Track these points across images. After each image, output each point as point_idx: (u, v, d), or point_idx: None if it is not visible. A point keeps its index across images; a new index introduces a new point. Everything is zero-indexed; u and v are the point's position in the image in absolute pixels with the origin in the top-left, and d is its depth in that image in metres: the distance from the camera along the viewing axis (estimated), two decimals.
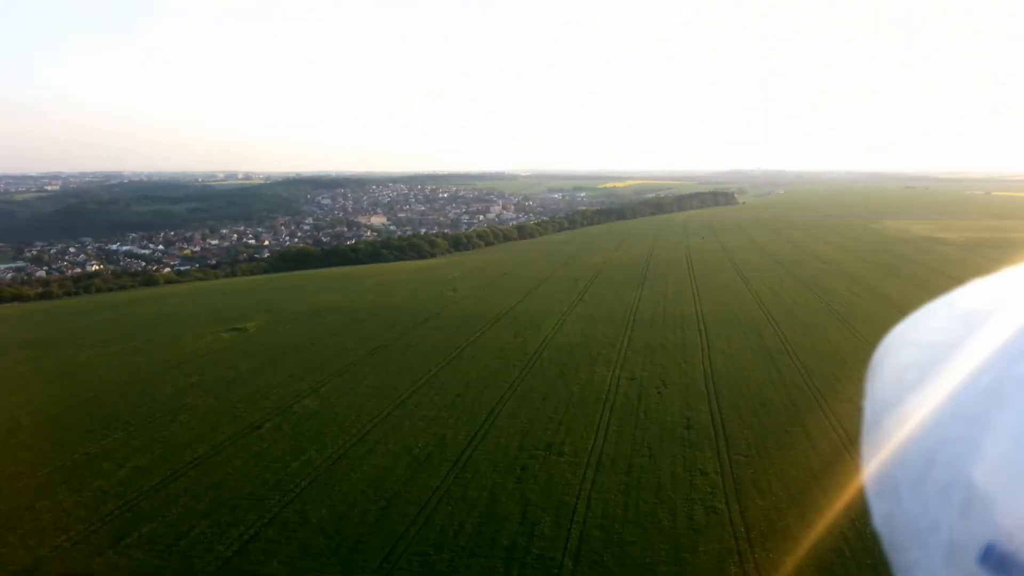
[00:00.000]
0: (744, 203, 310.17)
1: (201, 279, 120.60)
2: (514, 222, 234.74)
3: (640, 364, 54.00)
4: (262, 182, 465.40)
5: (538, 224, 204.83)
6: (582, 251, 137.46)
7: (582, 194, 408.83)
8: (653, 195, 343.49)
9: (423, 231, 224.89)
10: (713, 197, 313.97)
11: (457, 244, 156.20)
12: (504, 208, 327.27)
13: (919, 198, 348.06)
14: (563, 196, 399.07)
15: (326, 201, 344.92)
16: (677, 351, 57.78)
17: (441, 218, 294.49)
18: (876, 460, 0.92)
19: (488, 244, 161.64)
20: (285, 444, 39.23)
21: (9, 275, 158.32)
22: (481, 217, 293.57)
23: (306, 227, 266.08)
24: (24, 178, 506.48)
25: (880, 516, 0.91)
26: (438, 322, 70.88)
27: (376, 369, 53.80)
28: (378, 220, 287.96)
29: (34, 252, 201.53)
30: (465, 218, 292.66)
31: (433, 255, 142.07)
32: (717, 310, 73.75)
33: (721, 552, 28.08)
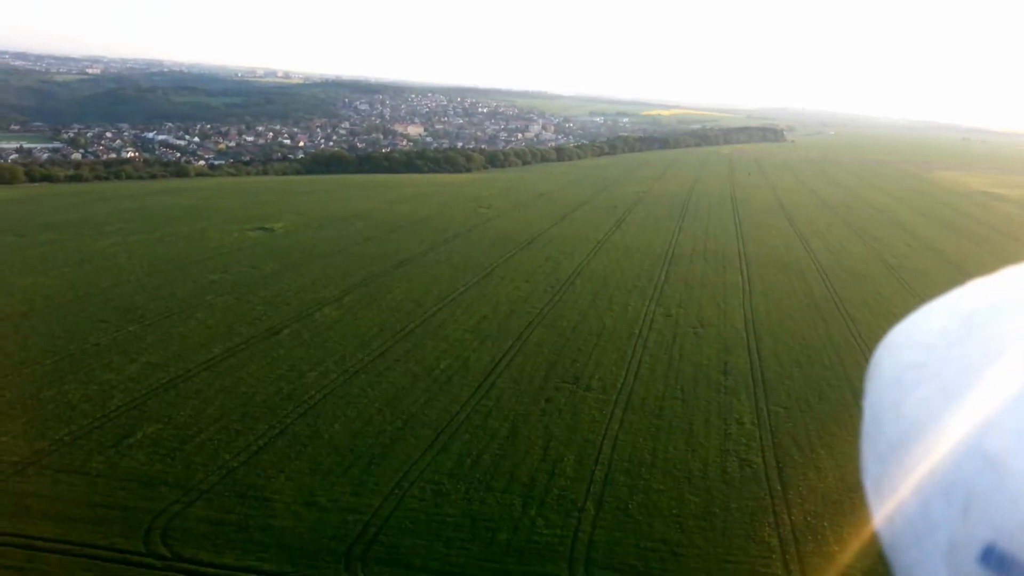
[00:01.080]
0: (793, 141, 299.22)
1: (233, 175, 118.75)
2: (553, 143, 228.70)
3: (677, 301, 51.45)
4: (300, 82, 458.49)
5: (578, 147, 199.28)
6: (622, 178, 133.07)
7: (625, 120, 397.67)
8: (699, 126, 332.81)
9: (460, 145, 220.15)
10: (761, 132, 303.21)
11: (493, 161, 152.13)
12: (544, 128, 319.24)
13: (976, 151, 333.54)
14: (605, 120, 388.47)
15: (364, 106, 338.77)
16: (717, 291, 55.03)
17: (479, 133, 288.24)
18: (876, 460, 0.92)
19: (525, 163, 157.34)
20: (303, 352, 37.67)
21: (45, 155, 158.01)
22: (520, 135, 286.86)
23: (342, 131, 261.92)
24: (66, 60, 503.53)
25: (881, 516, 0.91)
26: (469, 239, 68.50)
27: (402, 283, 51.86)
28: (415, 130, 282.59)
29: (71, 134, 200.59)
30: (503, 135, 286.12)
31: (468, 170, 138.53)
32: (761, 251, 70.44)
33: (755, 510, 26.15)
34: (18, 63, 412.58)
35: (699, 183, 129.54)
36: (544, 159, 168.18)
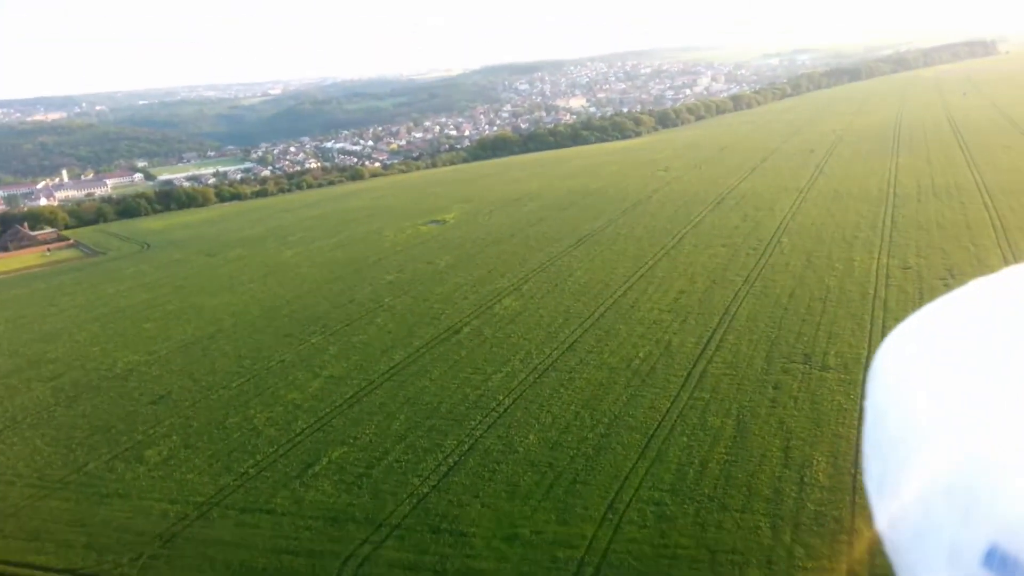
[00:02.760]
0: (1008, 52, 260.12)
1: (404, 171, 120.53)
2: (725, 94, 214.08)
3: (913, 249, 42.96)
4: (460, 72, 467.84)
5: (755, 93, 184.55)
6: (812, 118, 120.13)
7: (803, 57, 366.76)
8: (891, 51, 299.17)
9: (625, 110, 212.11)
10: (967, 48, 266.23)
11: (664, 120, 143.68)
12: (713, 79, 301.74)
13: None
14: (781, 61, 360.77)
15: (523, 87, 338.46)
16: (960, 231, 45.63)
17: (644, 96, 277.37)
18: (878, 459, 0.92)
19: (699, 118, 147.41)
20: (486, 352, 34.37)
21: (239, 176, 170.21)
22: (688, 91, 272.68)
23: (504, 114, 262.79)
24: (251, 85, 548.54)
25: (882, 516, 0.91)
26: (650, 206, 62.79)
27: (583, 262, 47.49)
28: (576, 102, 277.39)
29: (259, 153, 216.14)
30: (670, 93, 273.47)
31: (638, 134, 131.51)
32: (1004, 178, 58.65)
33: None
34: (210, 93, 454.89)
35: (906, 111, 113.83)
36: (720, 111, 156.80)
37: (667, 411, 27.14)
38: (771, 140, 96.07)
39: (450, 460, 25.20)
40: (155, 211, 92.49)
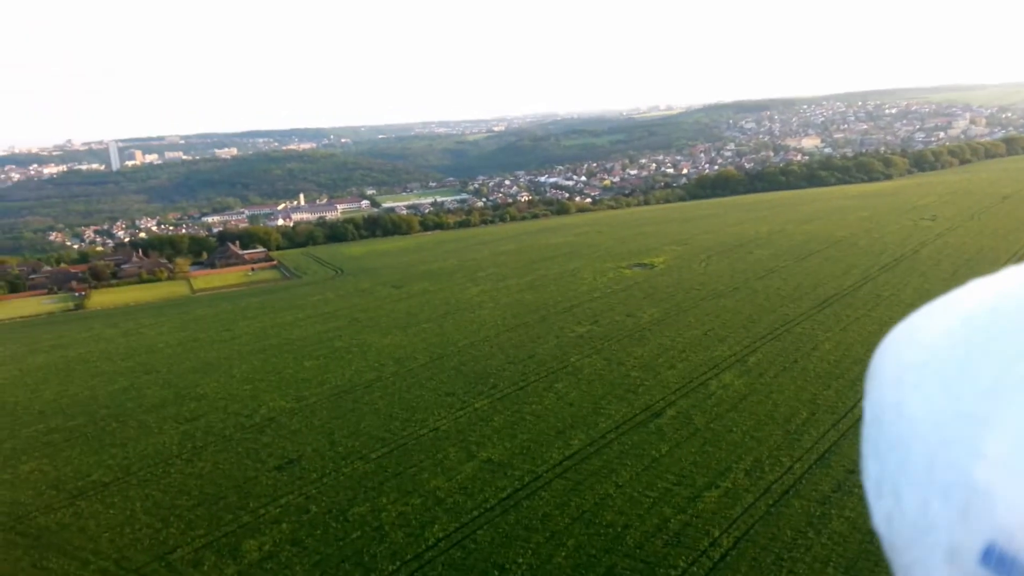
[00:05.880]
0: None
1: (612, 207, 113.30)
2: (987, 138, 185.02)
3: None
4: (681, 111, 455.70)
5: None
6: None
7: None
8: None
9: (865, 151, 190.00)
10: None
11: (920, 163, 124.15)
12: (972, 122, 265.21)
13: None
14: None
15: (750, 125, 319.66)
16: None
17: (888, 137, 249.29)
18: (876, 460, 0.92)
19: (963, 162, 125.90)
20: (695, 450, 25.14)
21: (454, 205, 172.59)
22: (941, 134, 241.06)
23: (727, 153, 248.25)
24: (478, 122, 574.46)
25: (880, 515, 0.90)
26: (918, 263, 49.77)
27: (831, 332, 36.57)
28: (809, 142, 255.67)
29: (476, 185, 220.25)
30: (920, 136, 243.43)
31: (888, 176, 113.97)
32: None
33: None
34: (441, 130, 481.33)
35: None
36: (988, 155, 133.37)
37: None
38: None
39: None
40: (361, 237, 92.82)
